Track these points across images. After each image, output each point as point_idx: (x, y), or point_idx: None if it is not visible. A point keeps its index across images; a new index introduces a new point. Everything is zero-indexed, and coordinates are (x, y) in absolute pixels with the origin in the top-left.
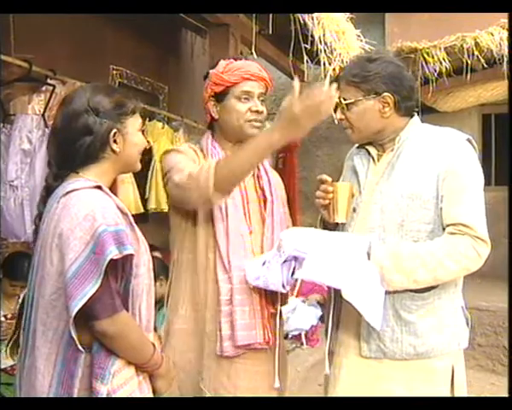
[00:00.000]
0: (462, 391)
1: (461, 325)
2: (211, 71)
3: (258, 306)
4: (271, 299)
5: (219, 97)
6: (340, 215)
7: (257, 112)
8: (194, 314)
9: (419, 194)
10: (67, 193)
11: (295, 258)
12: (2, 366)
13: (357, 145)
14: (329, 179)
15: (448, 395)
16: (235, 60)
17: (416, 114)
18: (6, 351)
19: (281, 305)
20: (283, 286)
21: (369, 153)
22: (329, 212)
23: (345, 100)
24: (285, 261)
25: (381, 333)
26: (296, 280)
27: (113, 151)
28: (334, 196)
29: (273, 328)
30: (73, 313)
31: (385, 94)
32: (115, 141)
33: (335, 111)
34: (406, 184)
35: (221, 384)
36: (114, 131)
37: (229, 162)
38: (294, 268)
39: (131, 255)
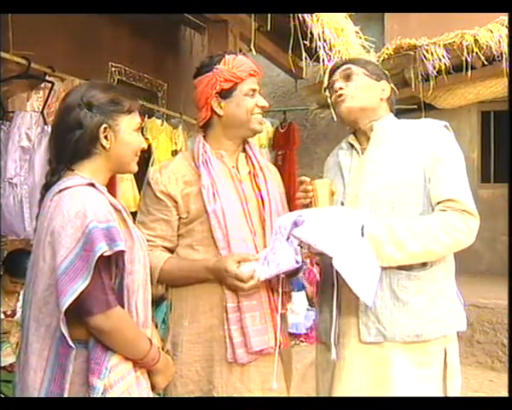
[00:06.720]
0: (455, 374)
1: (457, 307)
2: (218, 67)
3: (268, 309)
4: (280, 300)
5: (225, 94)
6: None
7: (262, 107)
8: (199, 324)
9: (407, 178)
10: (60, 191)
11: (296, 225)
12: (2, 364)
13: (340, 146)
14: (308, 179)
15: (441, 377)
16: (236, 54)
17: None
18: (5, 348)
19: (288, 303)
20: (296, 261)
21: (352, 146)
22: None
23: (352, 73)
24: (288, 238)
25: (380, 316)
26: (308, 248)
27: (104, 147)
28: (314, 194)
29: (284, 329)
30: (63, 309)
31: (383, 81)
32: (106, 137)
33: (332, 87)
34: (394, 170)
35: (235, 390)
36: (104, 126)
37: (171, 273)
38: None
39: (123, 252)
